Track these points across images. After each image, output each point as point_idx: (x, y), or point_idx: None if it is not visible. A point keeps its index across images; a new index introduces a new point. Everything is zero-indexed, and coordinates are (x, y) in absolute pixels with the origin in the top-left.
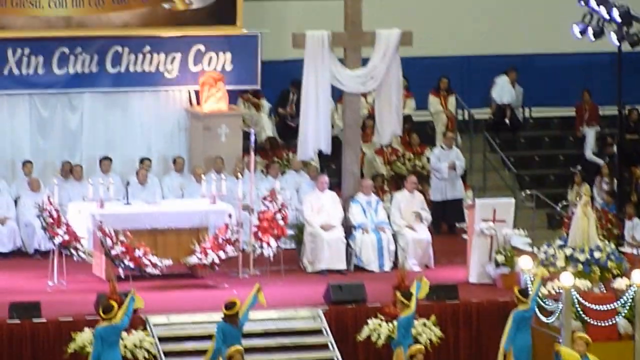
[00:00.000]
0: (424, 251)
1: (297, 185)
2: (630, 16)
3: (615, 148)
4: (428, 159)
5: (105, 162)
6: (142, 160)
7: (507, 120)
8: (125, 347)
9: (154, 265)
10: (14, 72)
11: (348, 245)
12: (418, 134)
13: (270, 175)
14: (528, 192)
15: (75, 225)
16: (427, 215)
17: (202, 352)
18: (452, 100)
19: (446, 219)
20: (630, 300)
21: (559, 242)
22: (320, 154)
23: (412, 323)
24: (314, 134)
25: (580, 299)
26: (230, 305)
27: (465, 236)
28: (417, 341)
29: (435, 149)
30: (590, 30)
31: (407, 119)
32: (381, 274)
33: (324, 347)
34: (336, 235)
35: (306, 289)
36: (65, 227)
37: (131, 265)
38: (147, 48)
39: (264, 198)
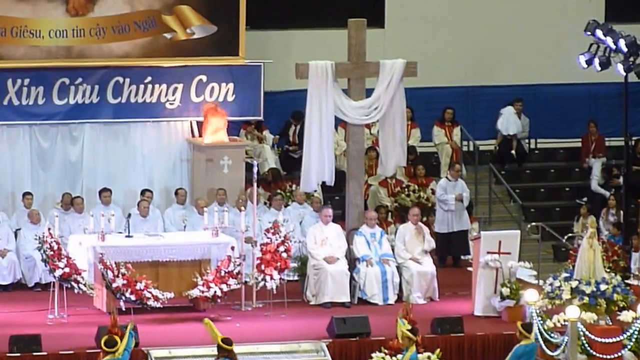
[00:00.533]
0: (429, 284)
1: (300, 218)
2: (637, 46)
3: (621, 179)
4: (433, 191)
5: (105, 194)
6: (143, 192)
7: (513, 152)
8: None
9: (156, 298)
10: (14, 103)
11: (352, 278)
12: (423, 165)
13: (273, 207)
14: (534, 224)
15: (76, 257)
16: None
17: None
18: (457, 132)
19: (452, 251)
20: (636, 333)
21: (564, 274)
22: (323, 185)
23: None
24: (317, 165)
25: (586, 331)
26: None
27: (470, 268)
28: None
29: (441, 181)
30: (596, 61)
31: (411, 149)
32: (385, 307)
33: None
34: (340, 267)
35: (310, 322)
36: (66, 259)
37: (132, 297)
38: (149, 78)
39: (267, 230)
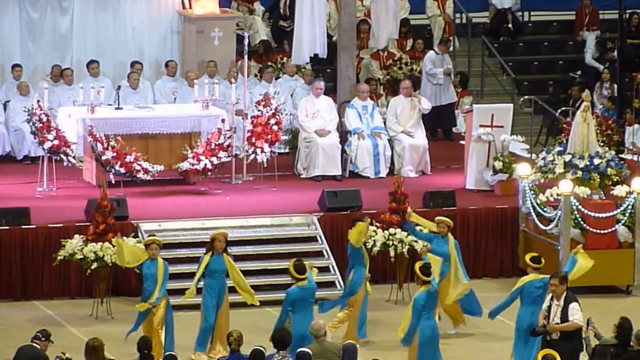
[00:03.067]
0: (421, 157)
1: (291, 90)
2: None
3: (615, 53)
4: None
5: (92, 66)
6: (133, 64)
7: (509, 25)
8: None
9: (145, 171)
10: None
11: (343, 151)
12: (416, 38)
13: (264, 79)
14: (527, 97)
15: (65, 130)
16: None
17: (193, 259)
18: (449, 4)
19: (441, 125)
20: (630, 208)
21: (558, 148)
22: (315, 57)
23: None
24: (309, 37)
25: (580, 206)
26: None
27: (462, 142)
28: (412, 248)
29: (429, 54)
30: None
31: (404, 22)
32: (377, 180)
33: (319, 254)
34: (331, 140)
35: (300, 196)
36: (55, 131)
37: (122, 170)
38: None
39: (258, 103)
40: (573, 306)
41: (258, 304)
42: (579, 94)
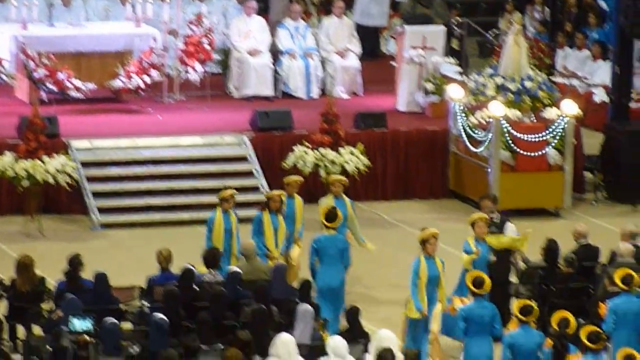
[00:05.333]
0: (352, 78)
1: (224, 10)
2: None
3: None
4: None
5: None
6: None
7: None
8: (47, 171)
9: (78, 89)
10: None
11: (275, 71)
12: None
13: None
14: (459, 19)
15: None
16: (356, 44)
17: (125, 178)
18: None
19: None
20: (560, 131)
21: (489, 70)
22: None
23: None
24: None
25: (510, 128)
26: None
27: (394, 63)
28: (344, 169)
29: None
30: None
31: None
32: (308, 101)
33: (249, 174)
34: (263, 60)
35: (232, 115)
36: None
37: (54, 88)
38: None
39: (190, 22)
40: (507, 225)
41: None
42: (511, 17)
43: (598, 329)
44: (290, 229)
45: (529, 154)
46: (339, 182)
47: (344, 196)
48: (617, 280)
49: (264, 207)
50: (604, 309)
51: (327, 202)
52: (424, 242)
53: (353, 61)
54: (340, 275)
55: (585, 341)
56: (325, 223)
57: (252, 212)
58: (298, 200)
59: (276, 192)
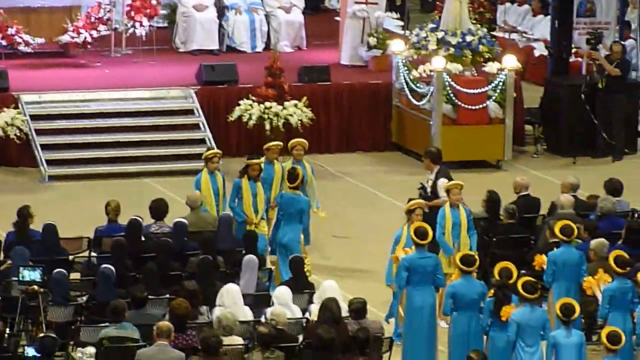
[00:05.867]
0: (296, 32)
1: None
2: None
3: None
4: None
5: None
6: None
7: None
8: None
9: (27, 44)
10: None
11: (221, 25)
12: None
13: None
14: None
15: None
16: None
17: (73, 131)
18: None
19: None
20: (501, 85)
21: (431, 25)
22: None
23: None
24: None
25: (452, 82)
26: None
27: (337, 18)
28: (287, 122)
29: None
30: None
31: None
32: (253, 55)
33: (196, 127)
34: (209, 15)
35: (178, 69)
36: None
37: (3, 43)
38: None
39: None
40: (440, 183)
41: None
42: None
43: (534, 280)
44: (268, 194)
45: (470, 107)
46: (298, 144)
47: (305, 161)
48: (557, 232)
49: (242, 174)
50: (543, 259)
51: (287, 165)
52: (409, 213)
53: (297, 15)
54: (295, 234)
55: (521, 291)
56: (287, 184)
57: (197, 165)
58: (277, 165)
59: (255, 159)
